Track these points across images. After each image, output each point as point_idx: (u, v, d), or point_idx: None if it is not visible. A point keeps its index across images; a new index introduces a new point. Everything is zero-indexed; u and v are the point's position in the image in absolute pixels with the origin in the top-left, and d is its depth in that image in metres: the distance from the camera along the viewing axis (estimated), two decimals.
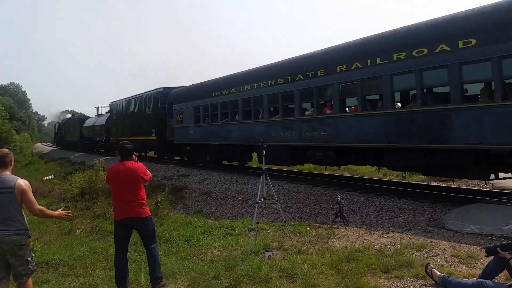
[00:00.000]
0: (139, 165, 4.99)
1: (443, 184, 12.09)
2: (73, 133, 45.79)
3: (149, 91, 23.62)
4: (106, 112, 36.86)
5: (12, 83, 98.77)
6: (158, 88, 22.66)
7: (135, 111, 25.54)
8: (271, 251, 5.89)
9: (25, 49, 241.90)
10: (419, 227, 7.41)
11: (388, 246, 6.11)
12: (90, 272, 5.68)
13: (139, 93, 25.32)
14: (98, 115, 39.28)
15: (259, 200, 6.61)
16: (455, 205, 8.36)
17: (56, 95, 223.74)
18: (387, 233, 7.09)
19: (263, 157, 6.86)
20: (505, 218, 6.97)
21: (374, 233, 7.13)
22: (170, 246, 6.86)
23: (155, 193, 11.27)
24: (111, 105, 31.54)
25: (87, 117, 45.81)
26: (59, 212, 4.41)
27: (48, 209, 4.48)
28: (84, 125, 41.23)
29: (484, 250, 4.15)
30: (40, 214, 4.16)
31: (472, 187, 11.33)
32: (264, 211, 9.93)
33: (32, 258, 4.10)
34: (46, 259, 6.43)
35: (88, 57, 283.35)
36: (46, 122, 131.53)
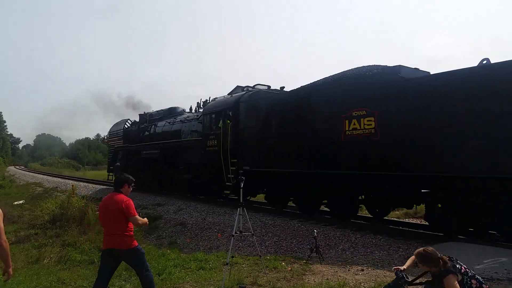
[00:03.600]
0: (124, 199, 4.99)
1: (418, 221, 12.22)
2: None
3: None
4: None
5: None
6: None
7: None
8: (244, 286, 5.79)
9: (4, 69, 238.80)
10: (394, 264, 7.40)
11: (362, 284, 6.08)
12: None
13: None
14: None
15: (235, 233, 6.54)
16: (429, 242, 8.42)
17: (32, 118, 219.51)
18: (362, 270, 7.07)
19: (241, 190, 6.84)
20: (477, 257, 7.05)
21: (349, 270, 7.10)
22: None
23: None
24: None
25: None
26: (10, 270, 4.02)
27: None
28: None
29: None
30: (5, 246, 3.86)
31: None
32: (240, 244, 9.80)
33: None
34: None
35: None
36: (20, 145, 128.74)
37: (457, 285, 3.85)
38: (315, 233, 8.08)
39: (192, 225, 12.63)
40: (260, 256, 7.07)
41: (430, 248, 4.08)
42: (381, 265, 7.46)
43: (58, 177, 38.90)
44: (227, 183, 14.19)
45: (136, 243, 5.02)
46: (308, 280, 6.40)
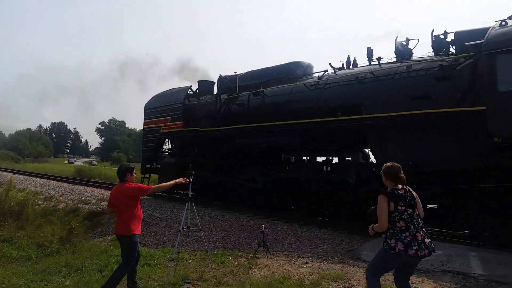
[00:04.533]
0: (132, 186, 5.32)
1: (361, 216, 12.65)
2: None
3: None
4: None
5: None
6: None
7: None
8: (190, 282, 5.74)
9: None
10: (337, 257, 7.64)
11: (306, 277, 6.21)
12: None
13: None
14: None
15: (182, 228, 6.45)
16: (371, 236, 8.73)
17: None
18: (307, 263, 7.23)
19: (190, 184, 6.73)
20: None
21: (294, 263, 7.23)
22: (81, 276, 6.41)
23: (69, 218, 10.54)
24: None
25: None
26: None
27: None
28: None
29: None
30: None
31: None
32: (187, 239, 9.69)
33: None
34: None
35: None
36: None
37: (383, 203, 4.01)
38: (263, 228, 8.16)
39: None
40: (207, 251, 7.02)
41: (397, 165, 4.24)
42: (325, 257, 7.66)
43: None
44: None
45: (133, 232, 5.20)
46: (254, 274, 6.45)
